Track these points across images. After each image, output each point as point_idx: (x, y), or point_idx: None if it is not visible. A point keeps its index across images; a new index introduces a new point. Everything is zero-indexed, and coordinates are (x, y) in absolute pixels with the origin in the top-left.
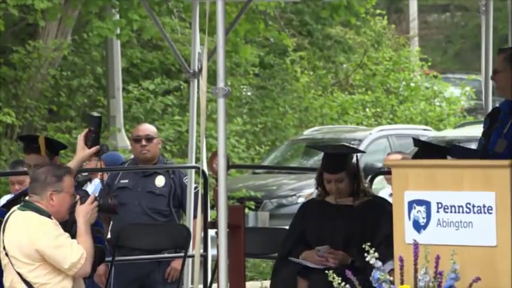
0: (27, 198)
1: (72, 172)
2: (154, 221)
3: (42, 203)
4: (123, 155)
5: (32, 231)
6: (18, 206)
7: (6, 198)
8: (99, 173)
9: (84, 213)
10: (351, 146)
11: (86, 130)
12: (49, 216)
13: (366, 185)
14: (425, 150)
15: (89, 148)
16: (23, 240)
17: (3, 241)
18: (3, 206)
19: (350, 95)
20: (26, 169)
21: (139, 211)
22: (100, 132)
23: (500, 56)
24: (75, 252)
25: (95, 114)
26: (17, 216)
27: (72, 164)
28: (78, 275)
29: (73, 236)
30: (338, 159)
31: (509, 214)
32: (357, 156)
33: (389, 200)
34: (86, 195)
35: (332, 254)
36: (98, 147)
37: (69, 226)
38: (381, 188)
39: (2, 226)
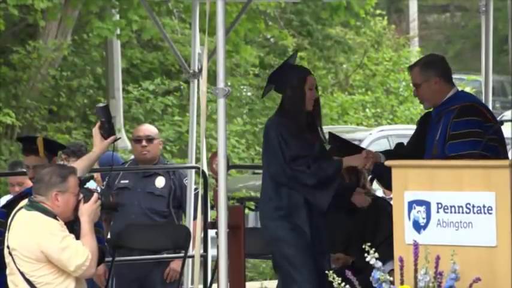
0: (32, 197)
1: (77, 172)
2: (153, 221)
3: (48, 204)
4: (123, 155)
5: (38, 233)
6: (24, 205)
7: (6, 198)
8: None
9: (88, 213)
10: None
11: (98, 123)
12: (55, 217)
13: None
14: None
15: (106, 139)
16: (28, 241)
17: (7, 239)
18: (3, 206)
19: (350, 95)
20: (24, 170)
21: (139, 212)
22: (111, 120)
23: (413, 70)
24: (80, 254)
25: (101, 104)
26: (23, 216)
27: (92, 156)
28: (83, 276)
29: (77, 235)
30: (332, 139)
31: (509, 214)
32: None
33: None
34: (89, 193)
35: (335, 260)
36: (114, 136)
37: (71, 225)
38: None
39: (8, 224)
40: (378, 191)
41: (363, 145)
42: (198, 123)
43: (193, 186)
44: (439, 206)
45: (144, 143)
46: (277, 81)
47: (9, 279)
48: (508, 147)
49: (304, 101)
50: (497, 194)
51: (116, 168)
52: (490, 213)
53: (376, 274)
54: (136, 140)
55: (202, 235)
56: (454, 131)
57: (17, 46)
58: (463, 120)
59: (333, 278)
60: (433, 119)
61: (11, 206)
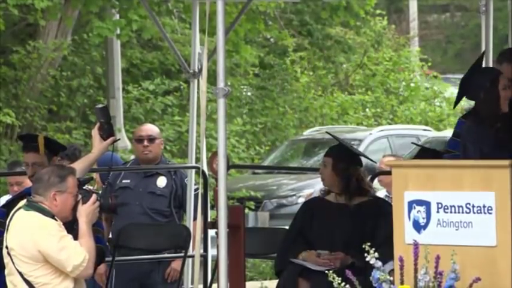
0: (31, 197)
1: (76, 173)
2: (154, 221)
3: (46, 204)
4: (123, 155)
5: (36, 233)
6: (22, 205)
7: (5, 198)
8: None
9: (86, 213)
10: (359, 151)
11: (97, 124)
12: (53, 217)
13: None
14: (422, 154)
15: (105, 140)
16: (26, 240)
17: (6, 239)
18: (3, 206)
19: (350, 95)
20: (24, 169)
21: (140, 211)
22: (110, 121)
23: (508, 66)
24: (78, 254)
25: (100, 105)
26: (21, 216)
27: (91, 157)
28: (80, 277)
29: (76, 235)
30: (333, 145)
31: (509, 214)
32: (350, 159)
33: None
34: (87, 194)
35: (333, 259)
36: (114, 137)
37: (70, 226)
38: (381, 188)
39: (6, 224)
40: (379, 191)
41: (363, 145)
42: (198, 123)
43: (194, 186)
44: (439, 206)
45: (145, 142)
46: (468, 88)
47: (8, 280)
48: None
49: (499, 103)
50: (497, 194)
51: (115, 168)
52: (490, 213)
53: (376, 274)
54: (138, 140)
55: (202, 235)
56: None
57: (17, 46)
58: None
59: (333, 278)
60: None
61: (11, 205)
